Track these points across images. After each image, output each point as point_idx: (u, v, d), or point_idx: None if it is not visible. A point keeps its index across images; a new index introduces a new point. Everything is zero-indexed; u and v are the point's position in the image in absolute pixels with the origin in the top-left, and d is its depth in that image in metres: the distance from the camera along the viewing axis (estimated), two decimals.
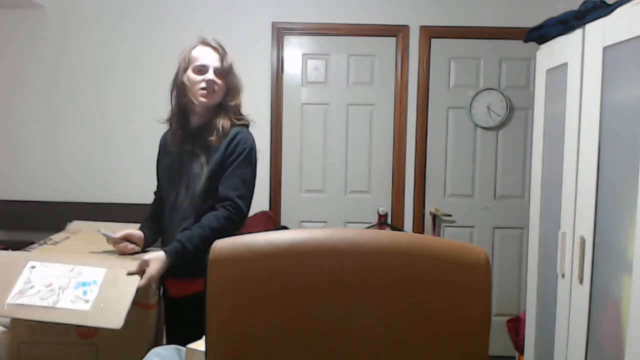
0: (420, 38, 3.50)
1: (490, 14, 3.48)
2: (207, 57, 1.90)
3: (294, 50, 3.53)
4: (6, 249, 2.23)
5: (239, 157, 1.85)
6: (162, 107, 2.00)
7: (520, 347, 2.76)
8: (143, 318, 1.72)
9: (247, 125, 1.97)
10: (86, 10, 3.47)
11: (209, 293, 0.83)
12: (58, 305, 1.51)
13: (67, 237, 2.03)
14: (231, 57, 1.95)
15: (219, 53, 1.92)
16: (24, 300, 1.52)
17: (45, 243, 1.93)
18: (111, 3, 3.47)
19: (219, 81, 1.89)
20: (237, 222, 1.82)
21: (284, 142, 3.55)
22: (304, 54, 3.53)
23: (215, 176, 1.85)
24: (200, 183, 1.86)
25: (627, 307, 1.60)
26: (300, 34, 3.51)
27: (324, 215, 3.59)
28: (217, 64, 1.90)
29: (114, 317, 1.49)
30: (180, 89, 1.92)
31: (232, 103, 1.94)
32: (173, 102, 1.96)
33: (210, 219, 1.80)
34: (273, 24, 3.48)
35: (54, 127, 3.51)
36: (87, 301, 1.52)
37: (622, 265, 1.65)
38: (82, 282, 1.57)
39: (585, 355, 1.85)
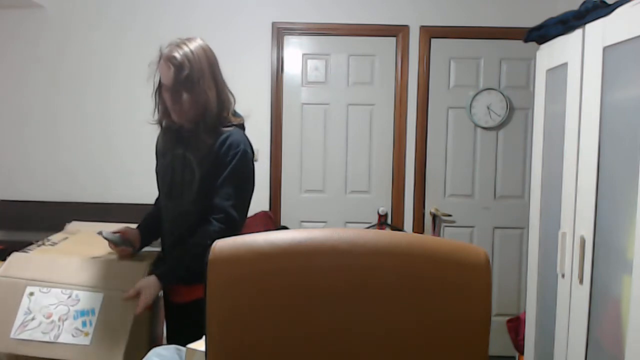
0: (420, 38, 3.50)
1: (490, 14, 3.48)
2: (164, 75, 1.74)
3: (294, 50, 3.53)
4: (6, 249, 2.23)
5: (231, 164, 1.75)
6: None
7: (520, 347, 2.76)
8: (141, 319, 1.71)
9: (241, 125, 1.86)
10: (86, 10, 3.47)
11: (209, 293, 0.83)
12: (59, 340, 1.57)
13: (66, 238, 2.02)
14: (189, 65, 1.70)
15: (173, 65, 1.70)
16: (26, 335, 1.58)
17: (43, 244, 1.93)
18: (111, 3, 3.47)
19: (182, 98, 1.72)
20: (231, 233, 1.68)
21: (284, 142, 3.55)
22: (304, 54, 3.53)
23: (207, 183, 1.76)
24: (192, 190, 1.79)
25: (627, 307, 1.60)
26: (300, 34, 3.51)
27: (324, 215, 3.59)
28: (171, 81, 1.72)
29: (114, 351, 1.56)
30: (160, 100, 1.84)
31: (210, 119, 1.75)
32: (158, 106, 1.86)
33: (202, 235, 1.73)
34: (273, 24, 3.48)
35: (54, 127, 3.51)
36: (87, 334, 1.58)
37: (622, 265, 1.65)
38: (80, 310, 1.62)
39: (585, 355, 1.85)
